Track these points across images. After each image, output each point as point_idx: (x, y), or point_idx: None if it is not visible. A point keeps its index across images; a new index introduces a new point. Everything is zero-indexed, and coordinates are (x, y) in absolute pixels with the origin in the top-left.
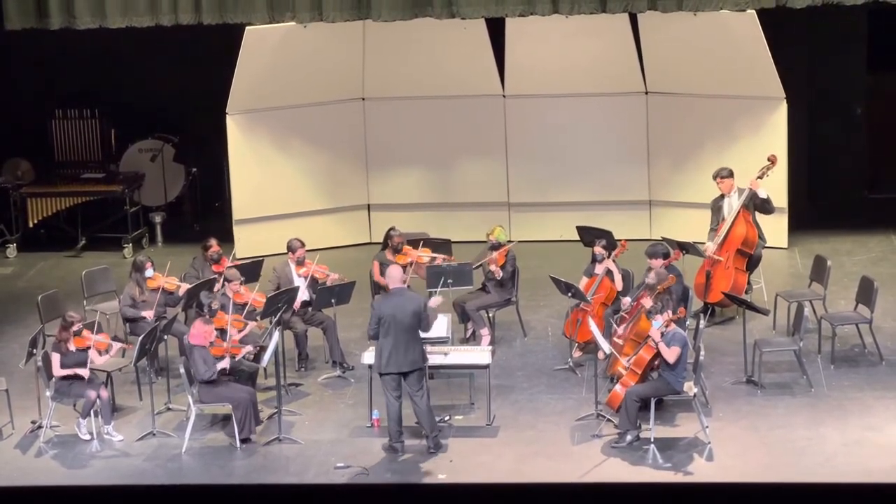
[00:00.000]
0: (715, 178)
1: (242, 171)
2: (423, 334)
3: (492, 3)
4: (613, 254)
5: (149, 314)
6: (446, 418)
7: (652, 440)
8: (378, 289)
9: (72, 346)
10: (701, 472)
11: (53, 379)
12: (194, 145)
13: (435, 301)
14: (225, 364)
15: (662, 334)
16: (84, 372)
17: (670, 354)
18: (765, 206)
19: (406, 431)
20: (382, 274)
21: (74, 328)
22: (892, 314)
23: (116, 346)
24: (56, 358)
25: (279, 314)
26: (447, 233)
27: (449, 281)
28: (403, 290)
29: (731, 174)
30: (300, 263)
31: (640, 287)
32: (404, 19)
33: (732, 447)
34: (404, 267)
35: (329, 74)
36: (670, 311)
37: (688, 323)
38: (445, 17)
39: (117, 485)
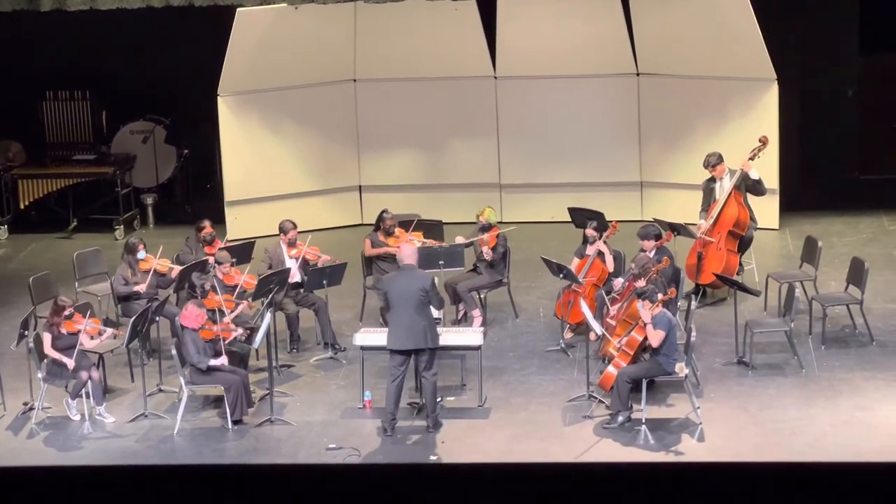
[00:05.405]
0: (706, 167)
1: (234, 153)
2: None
3: None
4: (605, 235)
5: (141, 287)
6: (438, 399)
7: (643, 421)
8: (369, 266)
9: (63, 330)
10: (692, 452)
11: (45, 360)
12: (186, 127)
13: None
14: (223, 361)
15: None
16: (69, 362)
17: (654, 338)
18: (756, 188)
19: (399, 413)
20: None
21: (66, 313)
22: (883, 295)
23: (108, 331)
24: (48, 338)
25: (271, 296)
26: (439, 214)
27: (440, 262)
28: (413, 268)
29: (720, 160)
30: (292, 245)
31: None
32: (395, 1)
33: (723, 428)
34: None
35: (320, 56)
36: (660, 294)
37: (679, 304)
38: None
39: (109, 465)
